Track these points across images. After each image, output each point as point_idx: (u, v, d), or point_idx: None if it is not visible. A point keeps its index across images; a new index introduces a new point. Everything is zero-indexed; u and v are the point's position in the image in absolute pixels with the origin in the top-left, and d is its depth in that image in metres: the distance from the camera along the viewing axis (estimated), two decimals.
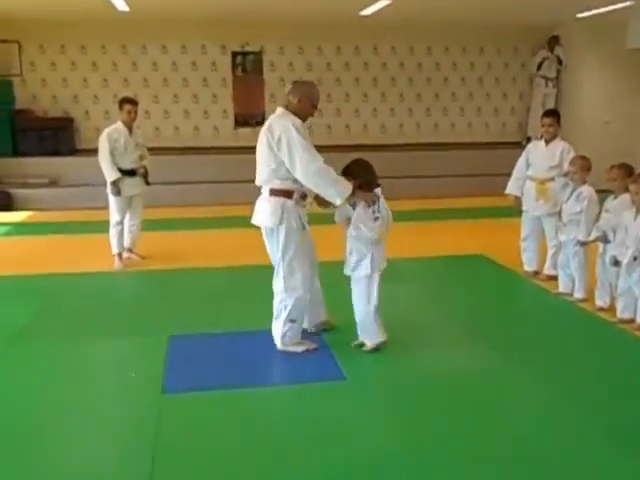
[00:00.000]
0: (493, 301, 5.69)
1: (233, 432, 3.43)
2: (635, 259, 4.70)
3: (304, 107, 4.21)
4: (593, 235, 5.14)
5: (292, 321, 4.33)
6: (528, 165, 6.08)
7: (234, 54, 11.60)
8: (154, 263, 6.76)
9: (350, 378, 4.03)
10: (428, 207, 9.86)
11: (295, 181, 4.13)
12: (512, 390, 3.93)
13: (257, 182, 4.31)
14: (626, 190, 4.91)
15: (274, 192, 4.19)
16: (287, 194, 4.18)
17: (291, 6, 9.45)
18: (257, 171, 4.28)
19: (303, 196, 4.26)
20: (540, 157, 5.97)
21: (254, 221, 4.32)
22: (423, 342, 4.64)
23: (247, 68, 11.65)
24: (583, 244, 5.32)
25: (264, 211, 4.22)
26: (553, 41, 11.83)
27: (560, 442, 3.30)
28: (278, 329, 4.38)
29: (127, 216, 6.74)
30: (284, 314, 4.31)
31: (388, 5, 9.05)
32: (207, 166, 10.49)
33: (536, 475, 3.01)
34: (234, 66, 11.64)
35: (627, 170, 5.03)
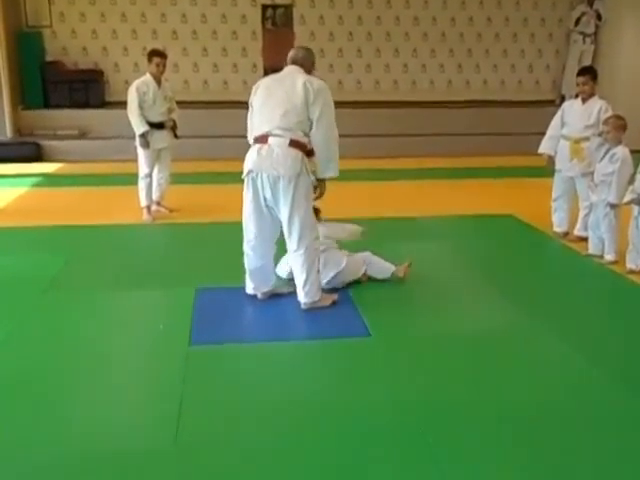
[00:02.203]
0: (521, 261, 5.63)
1: (258, 384, 3.47)
2: None
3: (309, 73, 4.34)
4: (628, 197, 5.03)
5: (318, 271, 4.35)
6: (563, 124, 5.95)
7: (264, 7, 11.43)
8: (182, 216, 6.79)
9: (375, 334, 4.04)
10: (459, 165, 9.71)
11: (306, 134, 4.15)
12: (536, 349, 3.91)
13: (268, 129, 4.10)
14: None
15: (295, 143, 4.09)
16: (304, 148, 4.14)
17: None
18: (274, 117, 4.10)
19: (310, 153, 4.23)
20: (576, 116, 5.83)
21: (279, 171, 4.05)
22: (449, 299, 4.62)
23: (277, 22, 11.49)
24: (613, 206, 5.22)
25: (284, 160, 4.05)
26: None
27: (583, 403, 3.30)
28: (312, 285, 4.28)
29: (155, 169, 6.75)
30: (315, 267, 4.28)
31: None
32: (236, 120, 10.37)
33: (555, 436, 3.00)
34: (264, 19, 11.49)
35: None
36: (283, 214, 4.16)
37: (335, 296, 4.47)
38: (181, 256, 5.62)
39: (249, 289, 4.54)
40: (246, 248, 4.39)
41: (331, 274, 4.55)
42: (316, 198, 4.31)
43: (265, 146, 4.12)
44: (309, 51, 4.45)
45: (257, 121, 4.23)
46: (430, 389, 3.41)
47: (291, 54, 4.36)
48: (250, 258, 4.40)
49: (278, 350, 3.88)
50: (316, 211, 4.41)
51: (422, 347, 3.91)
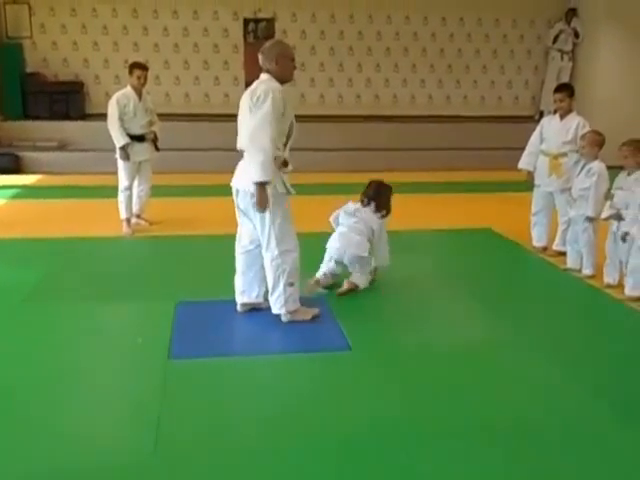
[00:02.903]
0: (501, 274, 5.68)
1: (237, 398, 3.45)
2: None
3: (284, 66, 4.14)
4: (607, 213, 5.09)
5: (291, 285, 4.27)
6: (542, 140, 6.01)
7: (246, 21, 11.47)
8: (162, 229, 6.76)
9: (356, 348, 4.03)
10: (439, 180, 9.78)
11: (277, 148, 4.06)
12: (515, 362, 3.93)
13: (239, 146, 4.20)
14: (638, 166, 4.86)
15: None
16: None
17: None
18: (239, 135, 4.20)
19: (285, 163, 4.20)
20: (554, 132, 5.90)
21: (238, 185, 4.17)
22: (430, 313, 4.64)
23: (259, 35, 11.52)
24: (591, 220, 5.28)
25: (247, 173, 4.07)
26: (570, 13, 11.64)
27: (560, 413, 3.32)
28: (279, 297, 4.28)
29: (136, 182, 6.73)
30: (283, 279, 4.23)
31: None
32: (217, 133, 10.45)
33: (535, 446, 3.01)
34: (246, 33, 11.53)
35: (638, 146, 4.96)
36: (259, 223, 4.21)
37: (316, 310, 4.45)
38: (161, 269, 5.58)
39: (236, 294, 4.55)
40: (236, 252, 4.47)
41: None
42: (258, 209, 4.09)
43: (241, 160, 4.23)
44: (266, 50, 4.17)
45: None
46: (410, 404, 3.40)
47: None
48: (237, 262, 4.46)
49: (257, 364, 3.86)
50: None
51: (403, 361, 3.91)
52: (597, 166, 5.26)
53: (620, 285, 5.06)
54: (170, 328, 4.25)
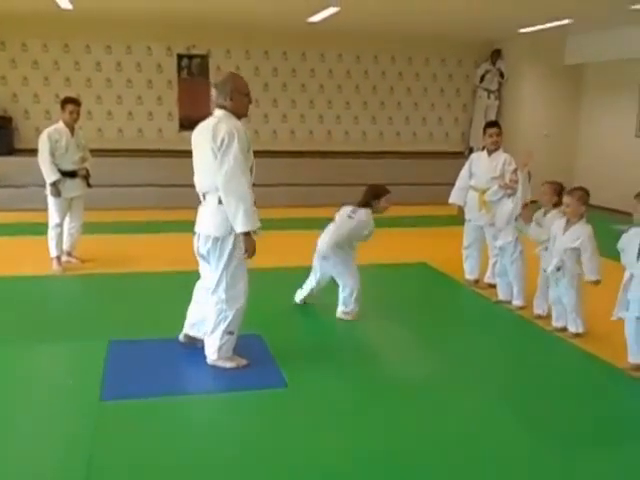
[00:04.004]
0: (433, 308, 5.77)
1: (170, 439, 3.37)
2: (558, 269, 4.83)
3: (239, 102, 4.02)
4: (554, 264, 4.94)
5: (230, 333, 4.17)
6: (471, 175, 6.18)
7: (180, 56, 11.48)
8: (94, 267, 6.61)
9: (292, 385, 4.02)
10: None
11: None
12: (451, 397, 3.98)
13: (199, 189, 4.08)
14: (553, 206, 5.06)
15: (210, 203, 4.01)
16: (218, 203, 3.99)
17: (239, 10, 9.40)
18: (198, 178, 4.08)
19: None
20: (482, 168, 6.07)
21: (200, 230, 4.10)
22: (365, 349, 4.67)
23: (193, 71, 11.55)
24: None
25: (211, 220, 4.00)
26: (495, 54, 12.13)
27: (496, 443, 3.38)
28: (214, 342, 4.18)
29: (67, 218, 6.59)
30: (222, 326, 4.13)
31: (336, 13, 9.11)
32: (151, 169, 10.34)
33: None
34: (180, 69, 11.53)
35: (557, 188, 5.15)
36: (214, 267, 4.11)
37: (244, 362, 4.26)
38: (93, 308, 5.45)
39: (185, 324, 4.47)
40: (196, 286, 4.41)
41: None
42: (247, 256, 4.04)
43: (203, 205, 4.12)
44: (220, 84, 4.02)
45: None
46: (348, 441, 3.40)
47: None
48: (195, 293, 4.40)
49: (191, 403, 3.80)
50: None
51: (340, 397, 3.91)
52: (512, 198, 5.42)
53: (549, 316, 5.20)
54: (102, 368, 4.14)
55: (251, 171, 4.04)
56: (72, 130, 6.46)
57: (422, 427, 3.56)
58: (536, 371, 4.42)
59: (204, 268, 4.25)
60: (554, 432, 3.53)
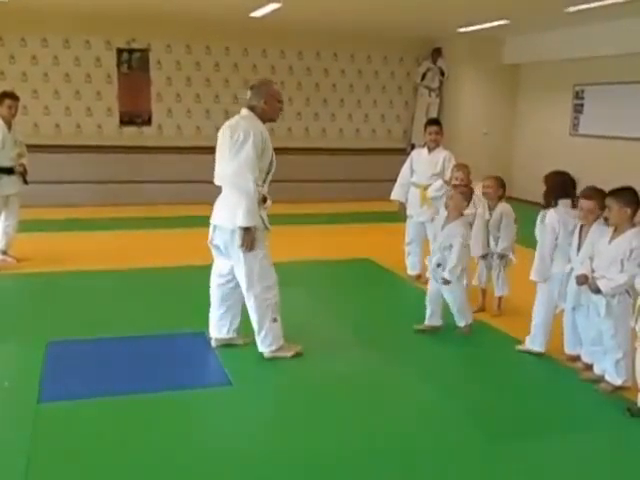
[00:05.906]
0: (377, 303, 5.82)
1: (111, 440, 3.32)
2: (439, 266, 4.92)
3: (272, 106, 4.29)
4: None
5: (275, 320, 4.29)
6: (412, 172, 6.26)
7: (119, 51, 11.25)
8: (31, 266, 6.45)
9: (236, 383, 4.00)
10: (315, 211, 9.97)
11: (257, 184, 4.08)
12: (395, 391, 4.04)
13: (217, 181, 4.26)
14: (499, 198, 5.23)
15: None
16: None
17: (179, 2, 9.27)
18: (217, 170, 4.25)
19: (264, 199, 4.21)
20: (423, 164, 6.17)
21: (215, 221, 4.23)
22: (310, 345, 4.66)
23: (133, 65, 11.33)
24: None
25: (229, 212, 4.08)
26: (436, 53, 12.29)
27: (440, 437, 3.44)
28: (266, 335, 4.28)
29: (2, 216, 6.41)
30: (269, 316, 4.24)
31: (278, 9, 9.08)
32: (90, 165, 10.14)
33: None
34: (119, 63, 11.29)
35: (500, 180, 5.30)
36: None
37: (299, 347, 4.42)
38: (30, 308, 5.32)
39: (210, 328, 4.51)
40: (211, 286, 4.47)
41: None
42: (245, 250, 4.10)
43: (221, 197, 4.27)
44: (256, 87, 4.34)
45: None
46: (293, 437, 3.41)
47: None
48: (212, 296, 4.45)
49: (132, 403, 3.74)
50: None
51: (284, 394, 3.93)
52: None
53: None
54: (40, 370, 4.05)
55: (269, 170, 4.23)
56: (10, 126, 6.31)
57: (364, 426, 3.58)
58: (475, 364, 4.51)
59: (216, 261, 4.40)
60: (493, 425, 3.62)
